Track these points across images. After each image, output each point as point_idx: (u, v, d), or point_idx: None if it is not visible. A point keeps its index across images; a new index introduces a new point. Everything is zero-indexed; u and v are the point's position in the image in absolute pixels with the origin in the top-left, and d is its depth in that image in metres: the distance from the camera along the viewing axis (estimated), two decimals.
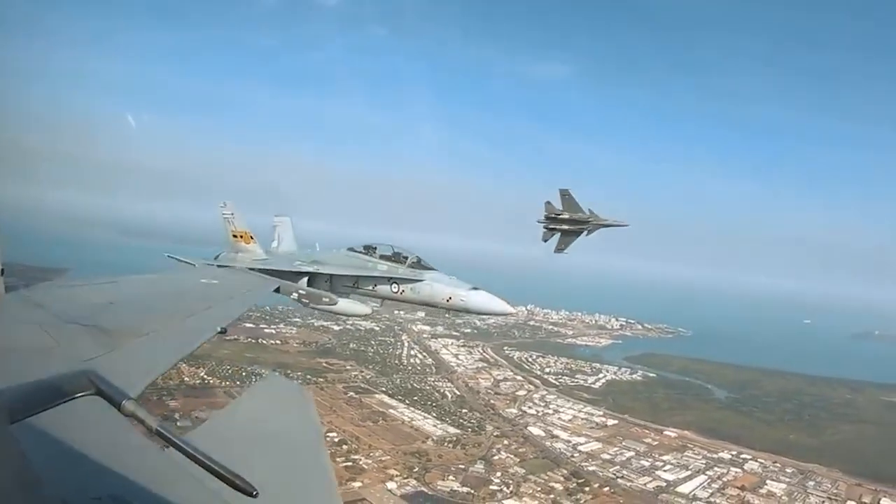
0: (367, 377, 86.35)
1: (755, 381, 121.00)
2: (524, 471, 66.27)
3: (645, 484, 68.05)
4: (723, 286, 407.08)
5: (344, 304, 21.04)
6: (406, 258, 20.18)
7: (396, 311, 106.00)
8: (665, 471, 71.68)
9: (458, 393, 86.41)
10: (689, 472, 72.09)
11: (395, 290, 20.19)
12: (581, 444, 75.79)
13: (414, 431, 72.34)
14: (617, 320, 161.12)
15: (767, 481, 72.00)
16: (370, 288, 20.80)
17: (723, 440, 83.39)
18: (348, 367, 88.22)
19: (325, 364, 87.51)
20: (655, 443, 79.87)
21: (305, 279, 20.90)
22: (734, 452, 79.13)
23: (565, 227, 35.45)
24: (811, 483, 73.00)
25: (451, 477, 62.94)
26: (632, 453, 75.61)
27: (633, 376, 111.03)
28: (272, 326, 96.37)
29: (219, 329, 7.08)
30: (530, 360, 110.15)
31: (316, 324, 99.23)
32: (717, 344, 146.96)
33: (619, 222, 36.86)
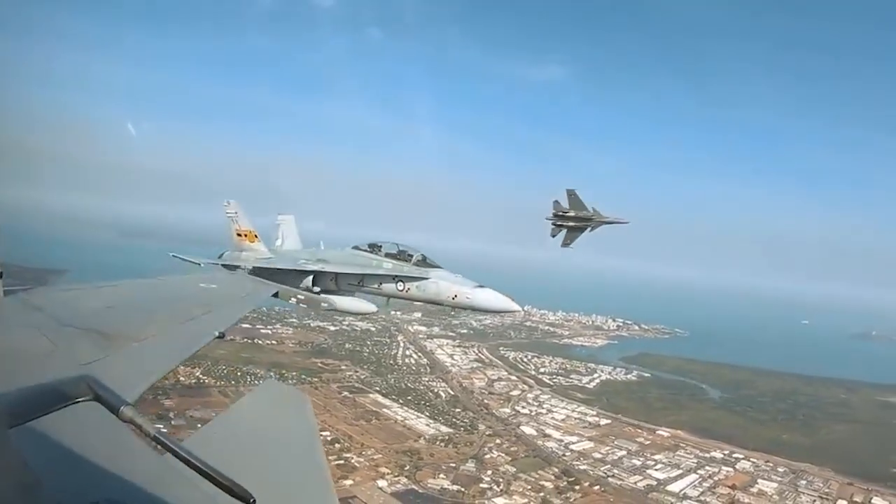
0: (362, 377, 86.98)
1: (750, 381, 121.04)
2: (515, 469, 66.81)
3: (635, 483, 68.39)
4: (720, 287, 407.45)
5: (349, 303, 21.37)
6: (411, 256, 20.24)
7: (393, 312, 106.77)
8: (656, 470, 72.07)
9: (451, 393, 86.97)
10: (680, 471, 72.46)
11: (401, 288, 20.18)
12: (573, 444, 76.20)
13: (406, 430, 73.00)
14: (614, 321, 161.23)
15: (759, 480, 72.33)
16: (375, 286, 20.82)
17: (715, 440, 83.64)
18: (343, 367, 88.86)
19: (320, 364, 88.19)
20: (648, 442, 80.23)
21: (310, 277, 21.04)
22: (726, 452, 79.52)
23: (571, 223, 37.34)
24: (803, 482, 73.26)
25: (441, 475, 63.57)
26: (623, 452, 76.03)
27: (628, 376, 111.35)
28: (268, 327, 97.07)
29: (217, 334, 7.13)
30: (525, 360, 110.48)
31: (312, 324, 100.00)
32: (713, 344, 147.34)
33: (620, 219, 38.59)
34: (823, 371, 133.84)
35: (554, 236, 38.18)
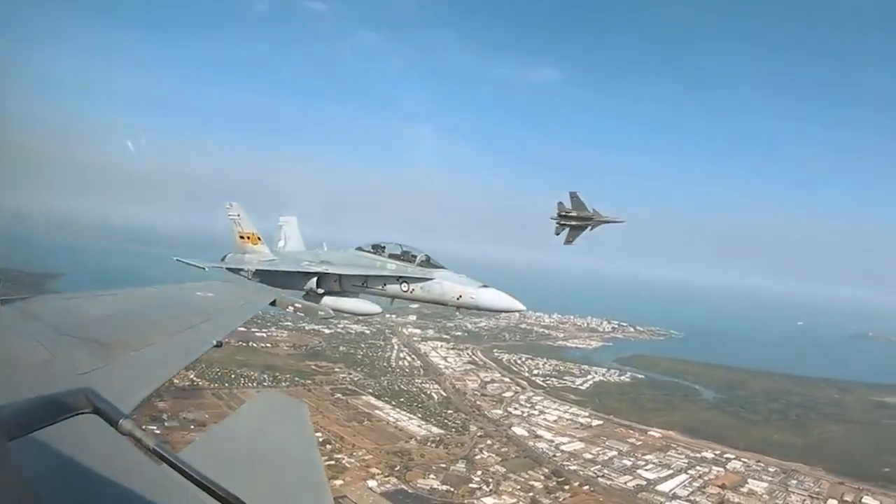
0: (355, 379, 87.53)
1: (744, 381, 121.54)
2: (505, 470, 67.32)
3: (625, 483, 68.89)
4: (716, 288, 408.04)
5: (353, 304, 21.23)
6: (415, 257, 20.09)
7: (388, 315, 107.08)
8: (646, 470, 72.54)
9: (444, 394, 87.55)
10: (670, 472, 72.96)
11: (405, 288, 20.03)
12: (564, 444, 76.64)
13: (398, 431, 73.58)
14: (609, 323, 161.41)
15: (749, 480, 72.76)
16: (380, 287, 20.65)
17: (707, 440, 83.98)
18: (337, 370, 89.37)
19: (313, 367, 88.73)
20: (639, 443, 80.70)
21: (315, 279, 20.92)
22: (717, 452, 79.97)
23: (573, 223, 39.70)
24: (793, 482, 73.72)
25: (431, 475, 64.12)
26: (614, 453, 76.45)
27: (622, 378, 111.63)
28: (263, 330, 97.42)
29: (215, 343, 7.18)
30: (519, 362, 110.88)
31: (307, 327, 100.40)
32: (708, 346, 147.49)
33: (617, 219, 41.14)
34: (818, 372, 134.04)
35: (558, 234, 40.82)
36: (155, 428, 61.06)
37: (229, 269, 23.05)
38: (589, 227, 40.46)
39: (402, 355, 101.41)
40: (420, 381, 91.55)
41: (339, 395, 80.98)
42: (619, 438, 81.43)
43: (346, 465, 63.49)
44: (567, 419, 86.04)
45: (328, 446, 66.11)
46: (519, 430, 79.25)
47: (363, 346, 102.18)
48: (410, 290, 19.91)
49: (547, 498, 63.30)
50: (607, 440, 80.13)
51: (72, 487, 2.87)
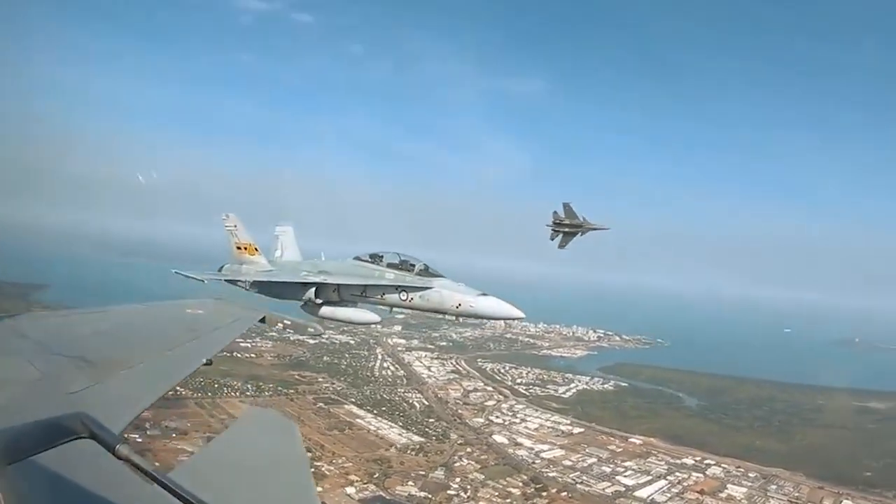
0: (338, 389, 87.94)
1: (728, 389, 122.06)
2: (483, 477, 67.82)
3: (604, 489, 69.44)
4: (703, 296, 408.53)
5: (352, 313, 21.28)
6: (413, 266, 20.11)
7: (373, 325, 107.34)
8: (625, 476, 73.12)
9: (426, 403, 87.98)
10: (649, 478, 73.52)
11: (404, 297, 20.01)
12: (544, 452, 77.16)
13: (378, 440, 74.06)
14: (595, 332, 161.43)
15: (728, 485, 73.42)
16: (378, 296, 20.61)
17: (688, 447, 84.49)
18: (320, 380, 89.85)
19: (297, 376, 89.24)
20: (619, 450, 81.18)
21: (313, 289, 20.83)
22: (698, 458, 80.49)
23: (566, 229, 42.45)
24: (773, 487, 74.33)
25: (410, 482, 64.71)
26: (594, 460, 76.92)
27: (605, 386, 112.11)
28: (248, 340, 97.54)
29: (205, 361, 7.17)
30: (503, 371, 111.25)
31: (292, 338, 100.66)
32: (694, 354, 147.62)
33: (602, 226, 43.90)
34: (803, 378, 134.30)
35: (552, 240, 43.32)
36: (137, 436, 61.38)
37: (227, 281, 23.00)
38: (579, 234, 43.03)
39: (385, 365, 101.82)
40: (403, 390, 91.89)
41: (321, 404, 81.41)
42: (600, 445, 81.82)
43: (326, 472, 63.88)
44: (548, 427, 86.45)
45: (308, 454, 66.42)
46: (499, 438, 79.64)
47: (347, 356, 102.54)
48: (409, 299, 20.02)
49: None
50: (588, 447, 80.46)
51: None
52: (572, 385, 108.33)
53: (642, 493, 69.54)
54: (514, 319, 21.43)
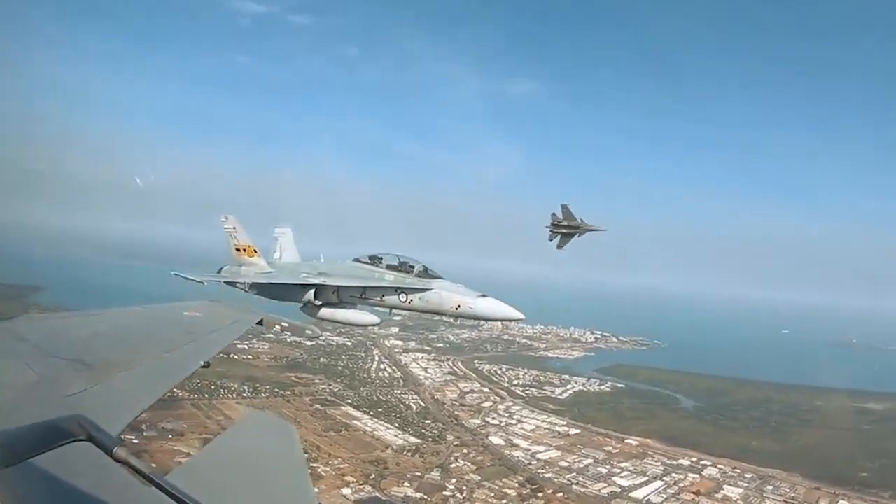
0: (335, 390, 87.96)
1: (725, 390, 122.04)
2: (479, 478, 67.93)
3: (599, 490, 69.49)
4: (701, 297, 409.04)
5: (351, 315, 21.39)
6: (413, 267, 20.17)
7: (371, 327, 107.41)
8: (622, 477, 73.18)
9: (423, 405, 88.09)
10: (645, 479, 73.57)
11: (403, 299, 20.12)
12: (540, 453, 77.23)
13: (374, 441, 74.09)
14: (592, 333, 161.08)
15: (724, 486, 73.45)
16: (378, 298, 20.70)
17: (684, 447, 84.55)
18: (317, 381, 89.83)
19: (293, 378, 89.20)
20: (616, 451, 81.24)
21: (312, 291, 20.91)
22: (694, 459, 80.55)
23: (564, 230, 43.94)
24: (769, 487, 74.46)
25: (406, 483, 64.78)
26: (590, 461, 76.97)
27: (602, 387, 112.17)
28: (244, 342, 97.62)
29: (202, 363, 7.23)
30: (500, 372, 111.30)
31: (288, 339, 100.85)
32: (692, 355, 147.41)
33: (600, 227, 45.51)
34: (801, 379, 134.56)
35: (551, 241, 44.99)
36: (133, 438, 61.45)
37: (227, 283, 22.97)
38: (577, 235, 44.56)
39: (382, 367, 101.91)
40: (399, 391, 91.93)
41: (317, 405, 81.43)
42: (596, 447, 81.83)
43: (322, 473, 63.88)
44: (545, 428, 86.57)
45: (304, 455, 66.45)
46: (496, 440, 79.73)
47: (344, 357, 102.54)
48: (409, 300, 20.13)
49: None
50: (584, 448, 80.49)
51: None
52: (569, 386, 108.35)
53: (638, 493, 69.49)
54: (513, 321, 21.98)
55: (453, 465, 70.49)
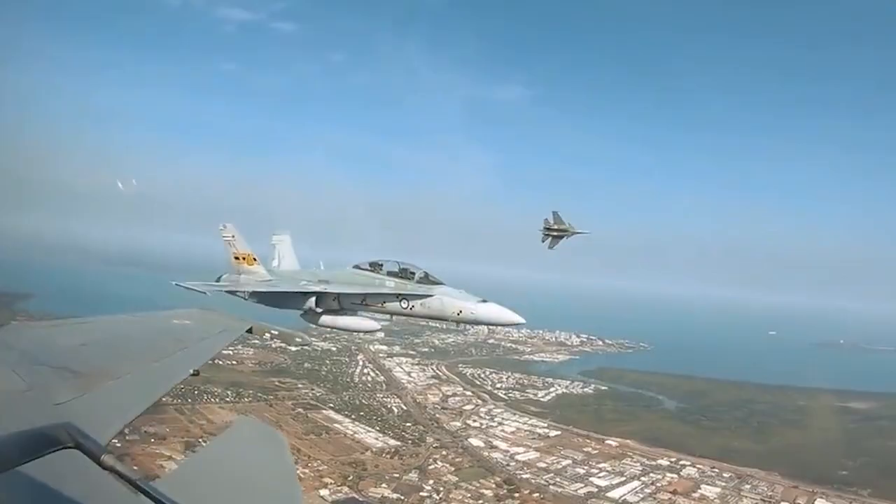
0: (317, 394, 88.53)
1: (708, 391, 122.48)
2: (457, 479, 68.63)
3: (576, 490, 70.23)
4: (689, 299, 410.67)
5: (352, 322, 21.73)
6: (413, 274, 20.17)
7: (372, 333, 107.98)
8: (599, 477, 73.90)
9: (404, 408, 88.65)
10: (623, 479, 74.31)
11: (405, 305, 20.10)
12: (519, 454, 77.94)
13: (355, 444, 74.74)
14: (578, 337, 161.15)
15: (702, 485, 74.20)
16: (379, 305, 20.78)
17: (664, 448, 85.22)
18: (300, 386, 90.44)
19: (277, 383, 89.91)
20: (595, 452, 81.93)
21: (313, 299, 20.90)
22: (673, 459, 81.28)
23: (554, 233, 48.84)
24: (747, 486, 75.26)
25: (384, 485, 65.49)
26: (568, 462, 77.69)
27: (585, 390, 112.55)
28: (230, 347, 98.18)
29: (192, 372, 7.17)
30: (483, 376, 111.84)
31: (274, 345, 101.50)
32: (677, 357, 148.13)
33: (584, 231, 50.53)
34: (786, 380, 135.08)
35: (543, 242, 49.70)
36: (116, 441, 61.81)
37: (228, 292, 22.78)
38: (566, 237, 49.15)
39: (366, 371, 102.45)
40: (381, 395, 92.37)
41: (299, 409, 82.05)
42: (576, 448, 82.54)
43: (301, 475, 64.32)
44: (525, 430, 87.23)
45: (294, 465, 66.91)
46: (475, 441, 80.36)
47: (328, 362, 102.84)
48: (410, 306, 20.16)
49: None
50: (563, 450, 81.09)
51: None
52: (552, 389, 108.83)
53: (615, 493, 70.19)
54: (514, 325, 22.08)
55: (432, 467, 71.10)
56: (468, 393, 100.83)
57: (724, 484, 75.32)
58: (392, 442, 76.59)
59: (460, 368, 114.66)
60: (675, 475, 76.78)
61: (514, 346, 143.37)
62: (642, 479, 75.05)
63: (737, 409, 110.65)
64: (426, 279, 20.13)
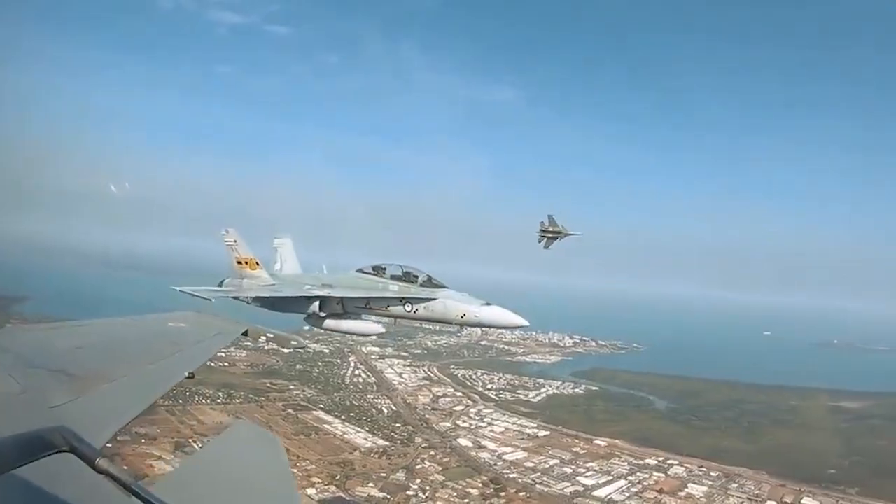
0: (308, 395, 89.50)
1: (700, 391, 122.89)
2: (444, 478, 69.55)
3: (563, 489, 71.03)
4: (685, 300, 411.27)
5: (356, 325, 21.78)
6: (417, 277, 20.14)
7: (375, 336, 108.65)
8: (586, 477, 74.69)
9: (394, 409, 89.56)
10: (609, 478, 75.10)
11: (409, 309, 20.04)
12: (507, 454, 78.79)
13: (343, 444, 75.62)
14: (571, 338, 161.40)
15: (689, 484, 74.94)
16: (383, 308, 20.70)
17: (653, 448, 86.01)
18: (291, 387, 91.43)
19: (269, 384, 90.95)
20: (583, 451, 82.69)
21: (317, 303, 21.00)
22: (661, 458, 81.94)
23: (549, 235, 52.23)
24: (734, 485, 75.97)
25: (371, 484, 66.36)
26: (556, 461, 78.49)
27: (576, 390, 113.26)
28: (222, 350, 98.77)
29: (187, 374, 7.18)
30: (474, 377, 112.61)
31: (266, 347, 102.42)
32: (669, 358, 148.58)
33: (576, 233, 53.88)
34: (779, 380, 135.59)
35: (540, 242, 53.04)
36: (107, 442, 62.68)
37: (233, 297, 22.64)
38: (560, 238, 52.34)
39: (357, 372, 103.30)
40: (372, 396, 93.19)
41: (290, 410, 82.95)
42: (564, 448, 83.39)
43: None
44: (514, 430, 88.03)
45: (291, 468, 67.44)
46: (464, 442, 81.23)
47: (320, 364, 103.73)
48: (414, 310, 20.06)
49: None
50: (551, 449, 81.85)
51: None
52: (542, 390, 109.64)
53: (601, 492, 70.91)
54: (517, 328, 21.82)
55: (419, 467, 71.91)
56: (458, 394, 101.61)
57: (711, 483, 76.07)
58: (381, 442, 77.38)
59: (452, 370, 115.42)
60: (662, 474, 77.50)
61: (506, 347, 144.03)
62: (629, 478, 75.78)
63: (728, 409, 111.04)
64: (429, 282, 20.13)
